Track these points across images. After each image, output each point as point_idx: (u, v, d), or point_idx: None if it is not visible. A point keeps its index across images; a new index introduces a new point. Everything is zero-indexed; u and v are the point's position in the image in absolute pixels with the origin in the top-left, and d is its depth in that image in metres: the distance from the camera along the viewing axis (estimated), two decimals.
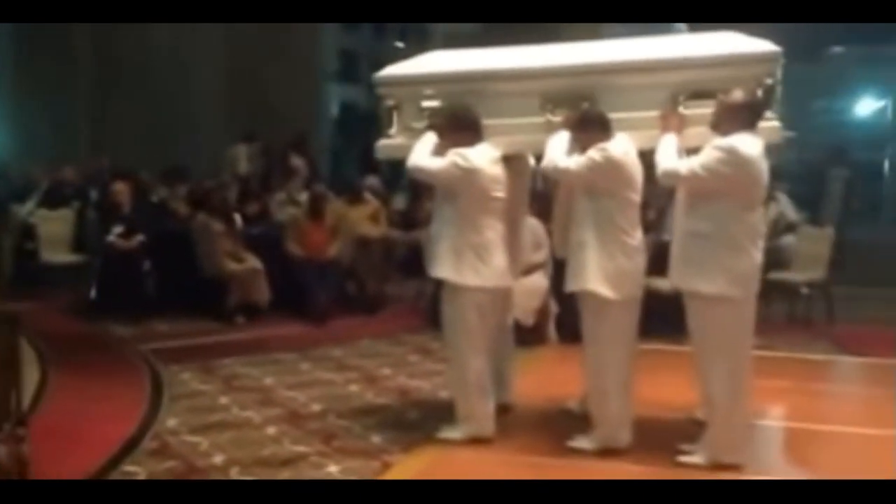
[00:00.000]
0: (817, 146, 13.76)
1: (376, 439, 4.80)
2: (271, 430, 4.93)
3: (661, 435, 4.70)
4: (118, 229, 8.13)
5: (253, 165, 12.27)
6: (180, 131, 12.94)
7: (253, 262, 8.08)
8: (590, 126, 4.51)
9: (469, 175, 4.59)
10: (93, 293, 8.29)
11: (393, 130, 4.95)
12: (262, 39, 13.55)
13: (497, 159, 4.72)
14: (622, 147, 4.48)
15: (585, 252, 4.48)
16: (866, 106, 26.55)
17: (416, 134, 4.82)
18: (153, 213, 9.09)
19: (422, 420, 5.14)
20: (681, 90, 4.52)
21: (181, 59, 13.33)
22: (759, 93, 4.39)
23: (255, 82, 13.72)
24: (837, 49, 26.44)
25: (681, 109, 4.51)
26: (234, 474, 4.28)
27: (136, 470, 4.30)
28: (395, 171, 10.32)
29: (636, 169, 4.53)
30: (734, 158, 4.18)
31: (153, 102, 12.96)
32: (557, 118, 4.66)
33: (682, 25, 12.11)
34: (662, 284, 4.77)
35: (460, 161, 4.59)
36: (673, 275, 4.45)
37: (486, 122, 4.72)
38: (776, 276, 7.78)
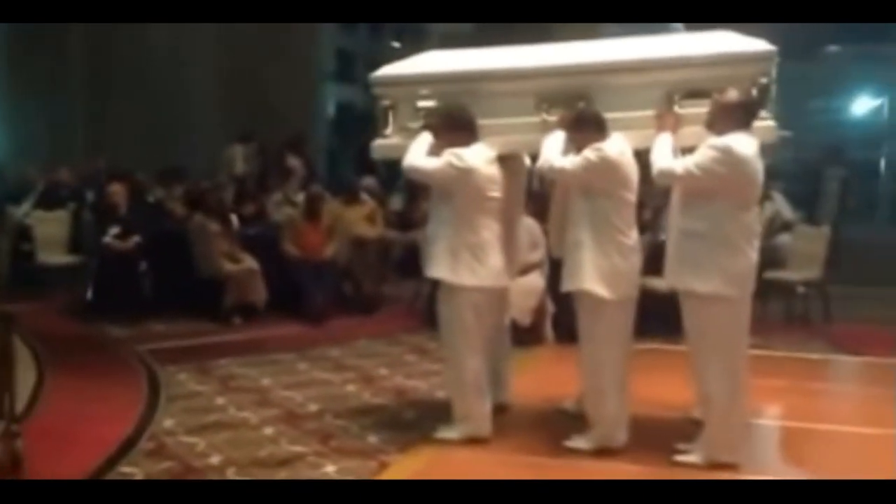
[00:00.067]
0: (813, 145, 13.77)
1: (373, 439, 4.80)
2: (268, 431, 4.93)
3: (657, 434, 4.70)
4: (114, 230, 8.12)
5: (249, 166, 12.25)
6: (177, 132, 12.93)
7: (249, 262, 8.08)
8: (585, 126, 4.52)
9: (465, 175, 4.59)
10: (89, 294, 8.29)
11: (389, 130, 4.95)
12: (258, 39, 13.52)
13: (493, 159, 4.72)
14: (618, 147, 4.48)
15: (581, 252, 4.49)
16: (862, 105, 26.59)
17: (412, 134, 4.82)
18: (149, 213, 9.09)
19: (419, 420, 5.14)
20: (676, 89, 4.53)
21: (178, 59, 13.33)
22: (754, 92, 4.40)
23: (251, 82, 13.70)
24: (833, 48, 26.49)
25: (676, 109, 4.52)
26: (231, 475, 4.27)
27: (132, 471, 4.29)
28: (392, 172, 10.30)
29: (632, 168, 4.54)
30: (729, 158, 4.18)
31: (149, 103, 12.95)
32: (553, 118, 4.67)
33: (679, 25, 12.12)
34: (658, 284, 4.77)
35: (456, 161, 4.59)
36: (669, 274, 4.46)
37: (482, 121, 4.72)
38: (772, 275, 7.79)
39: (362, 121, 18.15)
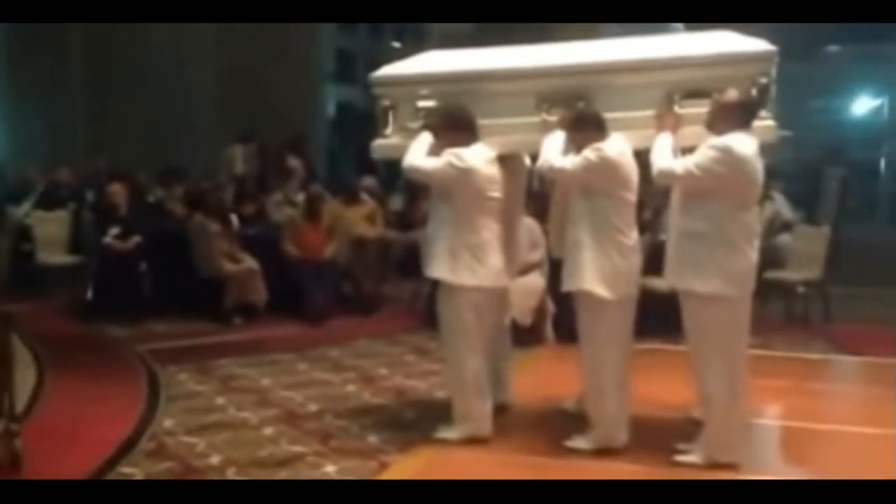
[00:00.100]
0: (813, 145, 13.76)
1: (373, 439, 4.80)
2: (268, 431, 4.92)
3: (657, 434, 4.70)
4: (115, 230, 8.12)
5: (249, 166, 12.25)
6: (177, 132, 12.94)
7: (249, 262, 8.08)
8: (585, 126, 4.52)
9: (464, 175, 4.59)
10: (89, 294, 8.29)
11: (389, 130, 4.95)
12: (258, 39, 13.53)
13: (492, 159, 4.72)
14: (617, 147, 4.48)
15: (581, 252, 4.49)
16: (862, 105, 26.61)
17: (412, 134, 4.82)
18: (150, 214, 9.09)
19: (419, 420, 5.14)
20: (676, 89, 4.53)
21: (178, 59, 13.33)
22: (754, 92, 4.40)
23: (251, 82, 13.71)
24: (833, 48, 26.51)
25: (676, 109, 4.52)
26: (231, 475, 4.27)
27: (132, 471, 4.29)
28: (392, 172, 10.31)
29: (632, 168, 4.53)
30: (729, 158, 4.18)
31: (149, 103, 12.96)
32: (553, 118, 4.66)
33: (679, 25, 12.12)
34: (658, 284, 4.77)
35: (455, 161, 4.59)
36: (668, 274, 4.46)
37: (482, 121, 4.72)
38: (773, 275, 7.80)
39: (362, 121, 18.18)
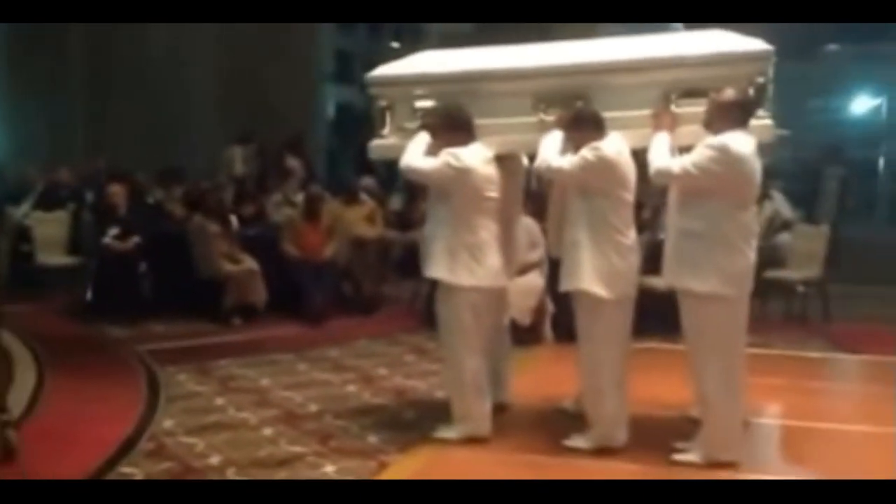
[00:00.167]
0: (812, 144, 13.78)
1: (373, 439, 4.80)
2: (268, 431, 4.93)
3: (656, 433, 4.71)
4: (114, 231, 8.13)
5: (249, 166, 12.25)
6: (177, 132, 12.94)
7: (249, 263, 8.08)
8: (583, 125, 4.52)
9: (462, 175, 4.59)
10: (89, 295, 8.30)
11: (386, 131, 4.95)
12: (258, 39, 13.53)
13: (490, 159, 4.72)
14: (615, 146, 4.48)
15: (579, 251, 4.49)
16: (861, 104, 26.63)
17: (409, 134, 4.82)
18: (149, 214, 9.09)
19: (418, 420, 5.14)
20: (673, 89, 4.52)
21: (178, 59, 13.33)
22: (751, 91, 4.40)
23: (251, 82, 13.71)
24: (832, 47, 26.54)
25: (673, 108, 4.52)
26: (231, 475, 4.27)
27: (132, 471, 4.29)
28: (391, 172, 10.30)
29: (629, 168, 4.53)
30: (726, 157, 4.19)
31: (149, 103, 12.95)
32: (550, 117, 4.67)
33: (679, 25, 12.12)
34: (657, 283, 4.77)
35: (453, 161, 4.59)
36: (667, 273, 4.46)
37: (479, 121, 4.72)
38: (772, 274, 7.81)
39: (361, 121, 18.16)
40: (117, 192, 8.45)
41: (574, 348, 4.74)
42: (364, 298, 8.67)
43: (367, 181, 11.09)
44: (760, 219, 6.81)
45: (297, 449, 4.63)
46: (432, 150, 4.70)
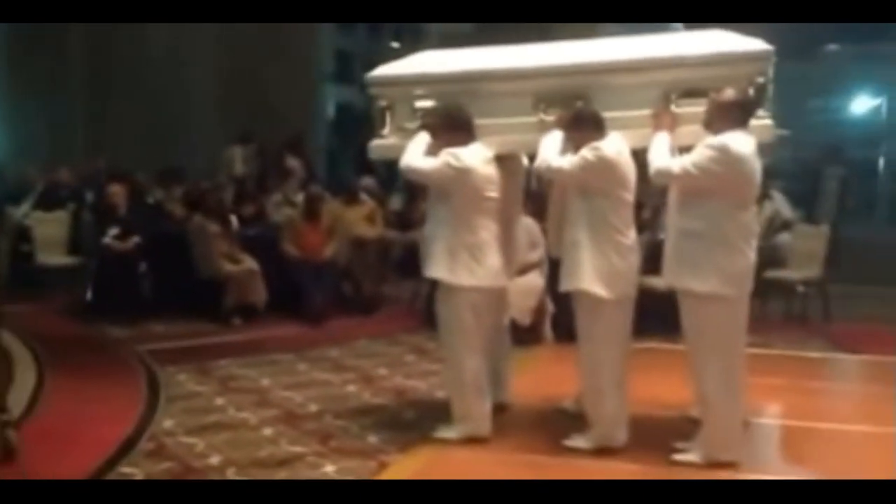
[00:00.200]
0: (812, 144, 13.80)
1: (373, 439, 4.80)
2: (268, 431, 4.93)
3: (656, 433, 4.71)
4: (114, 231, 8.13)
5: (249, 166, 12.26)
6: (177, 132, 12.94)
7: (249, 263, 8.08)
8: (583, 125, 4.52)
9: (462, 175, 4.60)
10: (89, 295, 8.30)
11: (386, 131, 4.95)
12: (258, 39, 13.53)
13: (490, 159, 4.72)
14: (615, 146, 4.48)
15: (579, 251, 4.49)
16: (861, 104, 26.65)
17: (409, 134, 4.82)
18: (149, 214, 9.09)
19: (418, 420, 5.14)
20: (673, 89, 4.52)
21: (178, 59, 13.33)
22: (751, 91, 4.40)
23: (251, 82, 13.71)
24: (832, 47, 26.56)
25: (673, 108, 4.52)
26: (231, 475, 4.27)
27: (132, 471, 4.29)
28: (391, 172, 10.31)
29: (629, 168, 4.53)
30: (726, 157, 4.19)
31: (149, 103, 12.95)
32: (550, 117, 4.67)
33: (679, 25, 12.12)
34: (657, 283, 4.77)
35: (453, 161, 4.59)
36: (667, 273, 4.46)
37: (479, 121, 4.72)
38: (772, 274, 7.81)
39: (362, 121, 18.17)
40: (117, 192, 8.45)
41: (574, 348, 4.74)
42: (364, 298, 8.67)
43: (367, 181, 11.09)
44: (760, 219, 6.82)
45: (298, 449, 4.63)
46: (432, 150, 4.70)
